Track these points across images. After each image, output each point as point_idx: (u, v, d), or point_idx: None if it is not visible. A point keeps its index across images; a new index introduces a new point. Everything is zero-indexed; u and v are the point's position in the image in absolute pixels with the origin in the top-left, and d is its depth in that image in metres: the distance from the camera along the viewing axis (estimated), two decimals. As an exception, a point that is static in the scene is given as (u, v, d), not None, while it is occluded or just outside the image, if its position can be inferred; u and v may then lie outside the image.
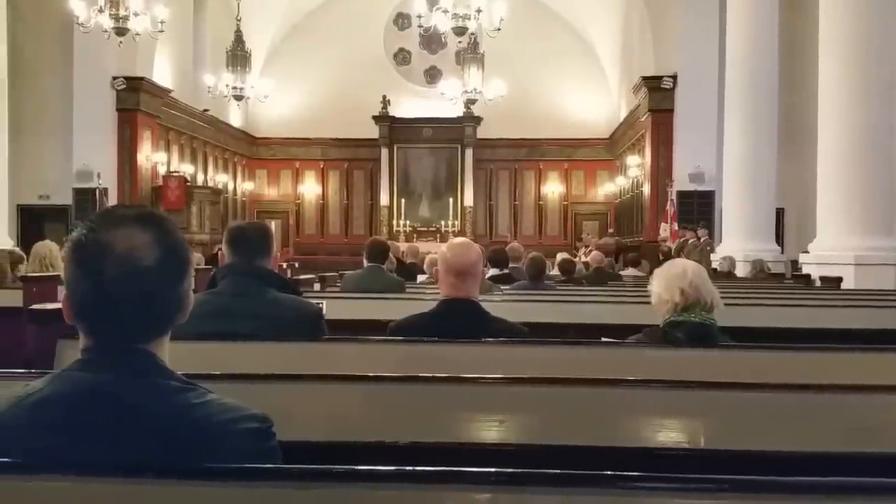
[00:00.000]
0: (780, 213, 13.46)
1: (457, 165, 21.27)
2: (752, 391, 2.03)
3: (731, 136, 12.20)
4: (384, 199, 21.43)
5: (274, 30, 21.06)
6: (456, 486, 1.05)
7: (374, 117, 20.89)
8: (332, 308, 3.75)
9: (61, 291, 1.30)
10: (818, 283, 8.03)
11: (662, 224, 15.06)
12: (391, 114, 20.99)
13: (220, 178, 19.97)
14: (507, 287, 5.88)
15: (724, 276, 9.36)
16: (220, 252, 3.13)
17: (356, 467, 1.07)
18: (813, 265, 8.67)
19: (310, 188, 22.36)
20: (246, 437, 1.22)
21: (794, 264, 10.87)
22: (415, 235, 19.89)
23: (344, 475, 1.07)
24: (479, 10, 11.49)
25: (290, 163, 22.33)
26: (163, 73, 16.80)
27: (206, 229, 16.48)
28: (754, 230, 11.80)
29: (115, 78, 15.21)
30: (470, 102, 16.73)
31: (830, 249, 8.28)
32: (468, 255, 2.92)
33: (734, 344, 2.85)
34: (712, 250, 12.44)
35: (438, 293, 3.08)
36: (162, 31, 11.95)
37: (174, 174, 16.74)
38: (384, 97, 20.79)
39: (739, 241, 11.73)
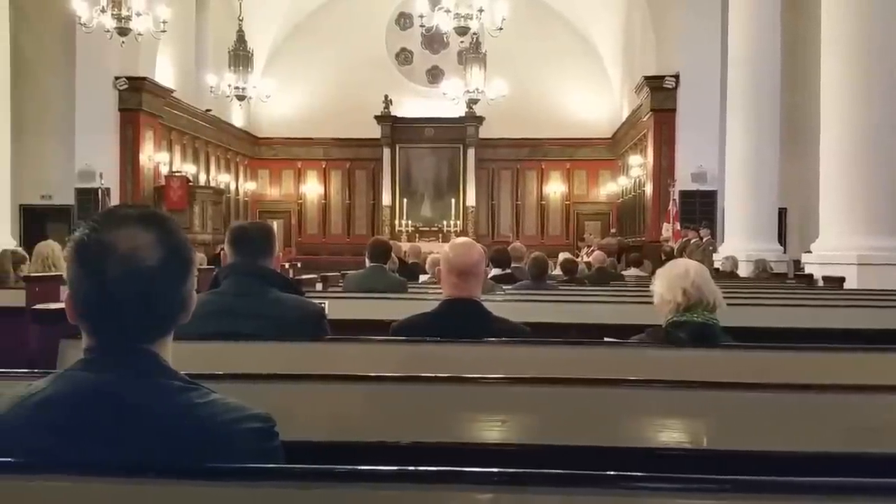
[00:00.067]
0: (782, 213, 13.42)
1: (459, 165, 21.25)
2: (754, 391, 2.03)
3: (734, 135, 12.18)
4: (386, 199, 21.41)
5: (276, 30, 21.04)
6: (458, 486, 1.05)
7: (376, 117, 20.87)
8: (335, 308, 3.75)
9: (64, 291, 1.30)
10: (821, 283, 8.02)
11: (665, 224, 15.01)
12: (393, 114, 20.98)
13: (222, 178, 19.97)
14: (510, 287, 5.89)
15: (726, 276, 9.35)
16: (222, 252, 3.14)
17: (358, 467, 1.07)
18: (815, 265, 8.65)
19: (312, 188, 22.35)
20: (249, 436, 1.22)
21: (797, 264, 10.84)
22: (417, 235, 19.83)
23: (346, 475, 1.07)
24: (480, 10, 11.49)
25: (292, 163, 22.31)
26: (165, 73, 16.81)
27: (209, 229, 16.50)
28: (757, 230, 11.77)
29: (117, 78, 15.20)
30: (472, 102, 16.72)
31: (833, 249, 8.26)
32: (470, 255, 2.92)
33: (736, 344, 2.85)
34: (715, 250, 12.41)
35: (441, 293, 3.07)
36: (164, 31, 11.95)
37: (176, 174, 16.74)
38: (386, 97, 20.78)
39: (742, 240, 11.70)
